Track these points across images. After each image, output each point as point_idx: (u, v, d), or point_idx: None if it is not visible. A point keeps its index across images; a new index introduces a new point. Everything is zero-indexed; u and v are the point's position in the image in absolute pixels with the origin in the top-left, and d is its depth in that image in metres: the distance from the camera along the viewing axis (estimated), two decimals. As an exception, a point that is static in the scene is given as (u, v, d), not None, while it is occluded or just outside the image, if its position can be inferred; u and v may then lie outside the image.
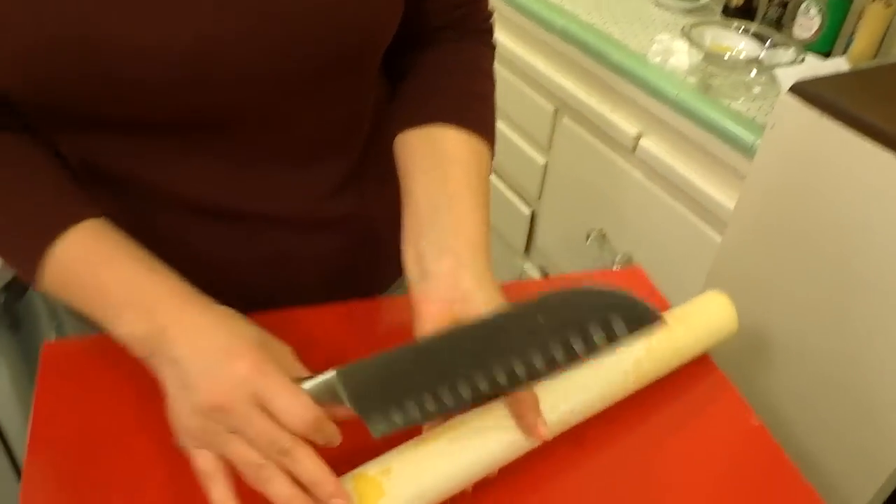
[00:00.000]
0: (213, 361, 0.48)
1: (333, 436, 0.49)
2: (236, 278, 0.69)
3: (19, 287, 0.99)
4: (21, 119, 0.59)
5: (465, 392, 0.49)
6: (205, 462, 0.48)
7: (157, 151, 0.60)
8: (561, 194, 1.59)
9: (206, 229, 0.66)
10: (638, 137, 1.30)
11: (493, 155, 0.66)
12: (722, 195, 1.15)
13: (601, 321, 0.48)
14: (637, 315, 0.48)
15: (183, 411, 0.49)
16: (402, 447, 0.53)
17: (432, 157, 0.62)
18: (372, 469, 0.51)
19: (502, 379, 0.49)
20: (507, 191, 1.75)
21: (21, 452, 0.57)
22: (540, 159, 1.61)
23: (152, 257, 0.55)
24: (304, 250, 0.71)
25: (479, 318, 0.51)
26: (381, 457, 0.52)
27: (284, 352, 0.53)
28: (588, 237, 1.49)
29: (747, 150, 1.08)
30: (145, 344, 0.51)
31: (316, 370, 0.51)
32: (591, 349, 0.48)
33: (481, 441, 0.54)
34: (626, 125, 1.33)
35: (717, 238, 1.17)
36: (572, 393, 0.59)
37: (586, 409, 0.60)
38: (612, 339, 0.48)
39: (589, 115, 1.40)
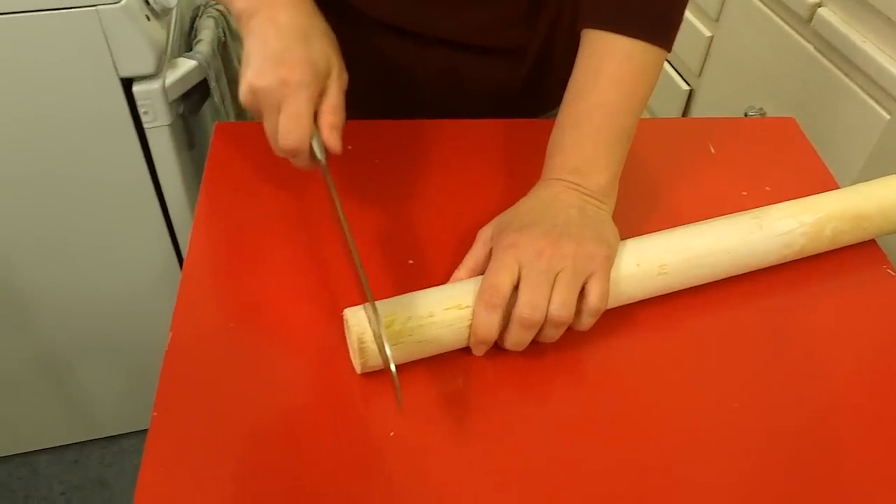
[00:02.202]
0: (265, 59, 0.55)
1: (302, 167, 0.57)
2: (416, 84, 0.79)
3: (195, 99, 1.08)
4: None
5: None
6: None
7: None
8: (723, 70, 1.52)
9: (397, 44, 0.75)
10: (816, 6, 1.21)
11: (669, 50, 0.65)
12: (900, 69, 1.07)
13: None
14: None
15: (242, 82, 0.56)
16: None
17: (593, 78, 0.62)
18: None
19: None
20: (665, 66, 1.69)
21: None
22: (706, 32, 1.53)
23: None
24: (474, 69, 0.78)
25: None
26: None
27: (334, 85, 0.57)
28: (745, 115, 1.43)
29: (937, 20, 0.99)
30: (242, 18, 0.59)
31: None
32: None
33: None
34: (805, -7, 1.24)
35: (886, 117, 1.10)
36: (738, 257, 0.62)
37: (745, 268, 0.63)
38: None
39: (765, -19, 1.32)
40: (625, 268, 0.57)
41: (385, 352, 0.48)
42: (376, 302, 0.54)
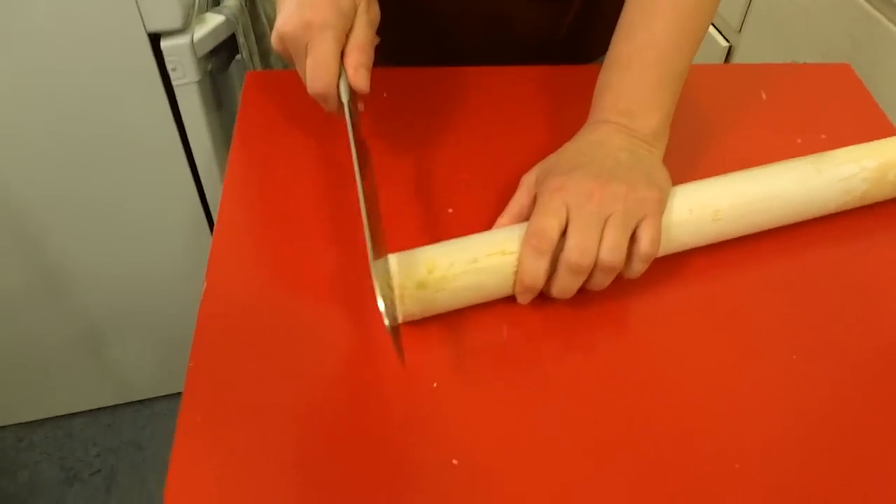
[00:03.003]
0: (293, 2, 0.52)
1: (334, 110, 0.55)
2: (456, 30, 0.76)
3: (223, 56, 1.06)
4: None
5: None
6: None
7: None
8: (765, 26, 1.46)
9: None
10: (866, -46, 1.16)
11: None
12: (958, 17, 1.02)
13: None
14: None
15: (275, 28, 0.54)
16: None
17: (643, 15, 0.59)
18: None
19: None
20: (704, 23, 1.64)
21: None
22: (747, -14, 1.48)
23: None
24: (518, 13, 0.75)
25: None
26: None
27: (361, 20, 0.54)
28: (789, 72, 1.38)
29: None
30: None
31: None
32: None
33: None
34: (855, -60, 1.18)
35: (943, 68, 1.05)
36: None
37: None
38: None
39: (812, -71, 1.26)
40: (677, 213, 0.54)
41: (393, 308, 0.46)
42: (417, 249, 0.51)
